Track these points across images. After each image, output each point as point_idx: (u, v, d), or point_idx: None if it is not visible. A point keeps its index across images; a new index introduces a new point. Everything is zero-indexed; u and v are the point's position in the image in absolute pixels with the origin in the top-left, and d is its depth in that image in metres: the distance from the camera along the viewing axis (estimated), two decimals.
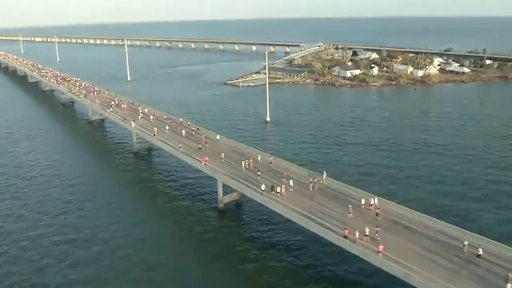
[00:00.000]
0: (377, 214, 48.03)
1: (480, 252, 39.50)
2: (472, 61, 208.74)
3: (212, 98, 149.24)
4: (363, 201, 50.33)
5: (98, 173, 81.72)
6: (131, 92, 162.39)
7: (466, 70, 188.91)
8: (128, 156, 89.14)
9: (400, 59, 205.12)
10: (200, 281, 47.13)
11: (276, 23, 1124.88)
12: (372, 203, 49.69)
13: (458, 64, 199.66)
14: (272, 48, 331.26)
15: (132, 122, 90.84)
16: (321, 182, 56.81)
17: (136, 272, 48.91)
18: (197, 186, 71.12)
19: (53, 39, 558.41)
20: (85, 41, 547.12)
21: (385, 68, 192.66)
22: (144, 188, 72.97)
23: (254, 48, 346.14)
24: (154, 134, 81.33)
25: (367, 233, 43.06)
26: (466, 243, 40.74)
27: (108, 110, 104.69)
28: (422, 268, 38.83)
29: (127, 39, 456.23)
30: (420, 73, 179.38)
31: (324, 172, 58.49)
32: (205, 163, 64.74)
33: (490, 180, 72.67)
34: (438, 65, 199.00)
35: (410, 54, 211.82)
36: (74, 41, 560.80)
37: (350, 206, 48.93)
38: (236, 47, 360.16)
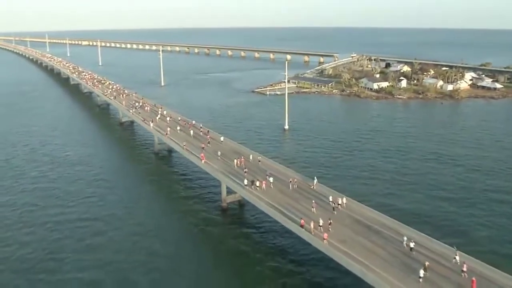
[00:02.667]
0: (333, 209, 53.38)
1: (412, 246, 44.26)
2: (508, 76, 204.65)
3: (238, 105, 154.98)
4: (330, 198, 55.57)
5: (121, 168, 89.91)
6: (162, 96, 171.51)
7: (498, 86, 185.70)
8: (150, 155, 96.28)
9: (432, 72, 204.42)
10: (195, 263, 53.47)
11: (321, 32, 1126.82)
12: (340, 202, 54.65)
13: (492, 80, 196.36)
14: (306, 58, 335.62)
15: (150, 122, 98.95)
16: (312, 187, 60.99)
17: (140, 249, 56.25)
18: (207, 185, 76.39)
19: (103, 44, 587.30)
20: (128, 46, 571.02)
21: (415, 81, 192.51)
22: (159, 184, 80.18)
23: (288, 57, 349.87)
24: (167, 133, 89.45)
25: (321, 224, 48.50)
26: (405, 238, 45.54)
27: (131, 111, 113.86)
28: (359, 255, 44.53)
29: (166, 45, 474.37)
30: (450, 87, 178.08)
31: (315, 177, 62.56)
32: (204, 162, 71.81)
33: (490, 189, 74.79)
34: (470, 80, 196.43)
35: (443, 68, 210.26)
36: (118, 45, 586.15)
37: (313, 201, 54.64)
38: (271, 55, 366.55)
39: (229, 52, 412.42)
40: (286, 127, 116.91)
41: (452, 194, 73.13)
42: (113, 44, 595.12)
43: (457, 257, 41.89)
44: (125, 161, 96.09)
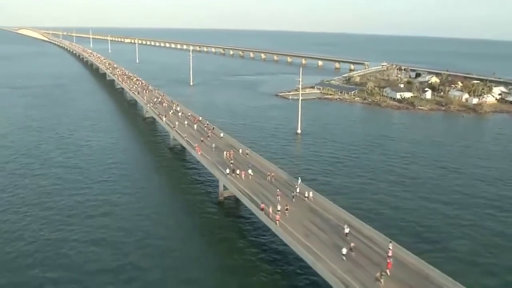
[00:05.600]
0: (293, 197, 61.12)
1: (347, 231, 50.86)
2: None
3: (259, 107, 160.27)
4: (298, 190, 62.24)
5: (137, 159, 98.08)
6: (189, 95, 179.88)
7: None
8: (165, 149, 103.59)
9: (461, 84, 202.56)
10: (184, 238, 60.98)
11: (358, 39, 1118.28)
12: (306, 194, 60.92)
13: None
14: (337, 65, 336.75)
15: (163, 117, 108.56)
16: (295, 186, 65.50)
17: (142, 226, 63.88)
18: (210, 179, 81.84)
19: (143, 42, 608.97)
20: (167, 45, 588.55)
21: (442, 93, 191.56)
22: (168, 175, 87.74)
23: (320, 63, 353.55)
24: (174, 127, 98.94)
25: (279, 209, 55.62)
26: (346, 226, 51.13)
27: (148, 105, 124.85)
28: (301, 235, 51.83)
29: (202, 46, 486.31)
30: (475, 101, 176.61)
31: (299, 178, 67.44)
32: (201, 153, 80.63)
33: (488, 197, 77.66)
34: (499, 94, 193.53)
35: (474, 81, 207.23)
36: (157, 44, 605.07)
37: (278, 190, 61.84)
38: (303, 60, 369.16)
39: (263, 56, 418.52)
40: (299, 131, 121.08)
41: (444, 198, 76.25)
42: (152, 43, 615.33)
43: (391, 246, 46.88)
44: (142, 152, 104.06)
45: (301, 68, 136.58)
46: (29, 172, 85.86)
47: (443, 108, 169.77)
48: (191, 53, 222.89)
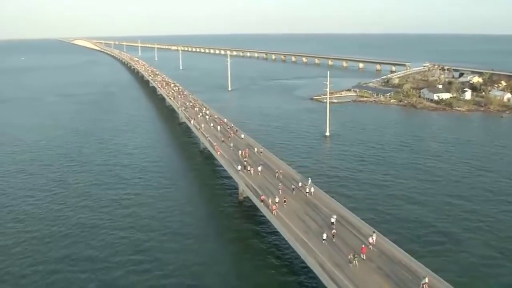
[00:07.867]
0: (293, 190, 66.19)
1: (333, 221, 54.95)
2: None
3: (293, 110, 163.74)
4: (300, 184, 68.39)
5: (170, 161, 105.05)
6: (226, 100, 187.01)
7: None
8: (196, 152, 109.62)
9: (505, 84, 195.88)
10: (208, 233, 66.63)
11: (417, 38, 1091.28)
12: (307, 190, 65.30)
13: None
14: (378, 66, 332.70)
15: (192, 120, 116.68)
16: (305, 186, 68.23)
17: (168, 217, 70.91)
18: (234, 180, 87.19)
19: (188, 49, 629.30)
20: (211, 51, 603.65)
21: (483, 93, 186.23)
22: (196, 175, 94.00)
23: (361, 65, 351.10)
24: (200, 128, 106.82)
25: (277, 201, 60.87)
26: (334, 216, 55.55)
27: (179, 109, 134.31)
28: (293, 223, 56.77)
29: (245, 51, 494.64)
30: None
31: (309, 178, 70.35)
32: (220, 153, 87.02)
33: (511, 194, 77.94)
34: None
35: None
36: (201, 50, 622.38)
37: (280, 183, 66.90)
38: (344, 63, 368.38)
39: (304, 59, 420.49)
40: (327, 133, 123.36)
41: (466, 195, 77.46)
42: (197, 49, 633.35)
43: (374, 236, 49.93)
44: (175, 154, 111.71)
45: (328, 72, 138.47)
46: (73, 170, 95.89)
47: (482, 109, 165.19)
48: (228, 59, 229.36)
